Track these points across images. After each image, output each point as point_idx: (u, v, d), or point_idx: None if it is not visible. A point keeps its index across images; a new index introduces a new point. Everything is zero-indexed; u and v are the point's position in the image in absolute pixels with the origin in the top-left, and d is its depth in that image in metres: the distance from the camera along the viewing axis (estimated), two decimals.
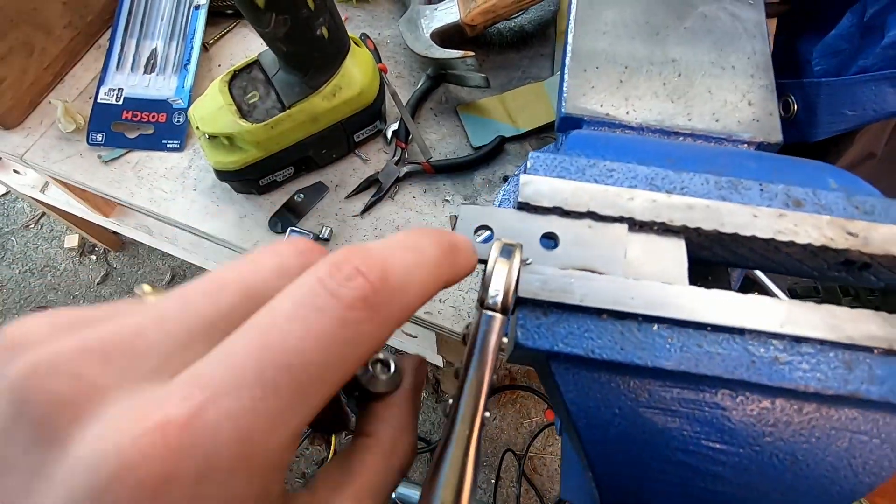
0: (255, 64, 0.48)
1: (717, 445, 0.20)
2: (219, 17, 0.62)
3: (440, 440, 0.18)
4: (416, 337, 1.18)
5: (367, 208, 0.52)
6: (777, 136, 0.30)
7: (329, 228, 0.51)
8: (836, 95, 0.54)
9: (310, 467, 1.53)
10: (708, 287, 0.21)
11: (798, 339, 0.19)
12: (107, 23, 0.61)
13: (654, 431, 0.20)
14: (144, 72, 0.58)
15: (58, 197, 1.15)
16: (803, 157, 0.65)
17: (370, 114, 0.52)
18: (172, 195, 0.54)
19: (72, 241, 1.75)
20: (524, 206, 0.22)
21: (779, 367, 0.19)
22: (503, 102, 0.58)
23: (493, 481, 1.51)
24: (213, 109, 0.47)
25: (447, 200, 0.53)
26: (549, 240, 0.22)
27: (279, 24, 0.40)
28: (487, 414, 0.18)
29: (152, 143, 0.56)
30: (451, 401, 0.18)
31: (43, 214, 1.78)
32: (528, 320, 0.20)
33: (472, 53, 0.52)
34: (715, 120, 0.31)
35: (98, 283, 1.75)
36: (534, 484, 1.50)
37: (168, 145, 0.56)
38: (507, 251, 0.20)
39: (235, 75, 0.48)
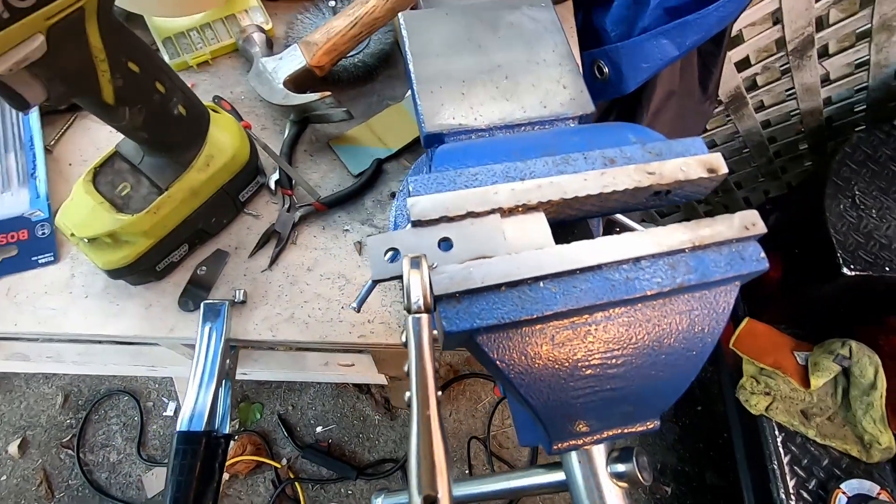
0: (115, 156, 0.48)
1: (609, 353, 0.26)
2: (53, 115, 0.59)
3: (410, 430, 0.22)
4: (353, 365, 1.19)
5: (274, 260, 0.54)
6: (590, 108, 0.38)
7: (242, 290, 0.52)
8: (631, 54, 0.66)
9: None
10: (570, 241, 0.27)
11: (637, 259, 0.26)
12: None
13: (563, 360, 0.26)
14: None
15: None
16: (621, 108, 0.77)
17: (248, 172, 0.53)
18: (63, 310, 0.51)
19: None
20: (417, 223, 0.27)
21: (630, 283, 0.26)
22: (371, 128, 0.62)
23: (466, 471, 1.57)
24: (85, 212, 0.46)
25: (346, 230, 0.56)
26: (445, 243, 0.27)
27: (134, 115, 0.41)
28: (440, 394, 0.23)
29: (20, 264, 0.52)
30: (408, 394, 0.23)
31: None
32: (447, 311, 0.25)
33: (328, 93, 0.56)
34: (543, 107, 0.39)
35: None
36: (504, 459, 1.58)
37: (40, 261, 0.53)
38: (415, 263, 0.25)
39: (98, 172, 0.47)
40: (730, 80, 1.15)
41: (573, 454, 0.33)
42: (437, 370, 0.23)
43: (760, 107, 1.30)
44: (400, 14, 0.43)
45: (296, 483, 1.47)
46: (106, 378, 1.61)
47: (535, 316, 0.25)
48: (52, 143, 0.58)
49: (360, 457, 1.54)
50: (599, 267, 0.26)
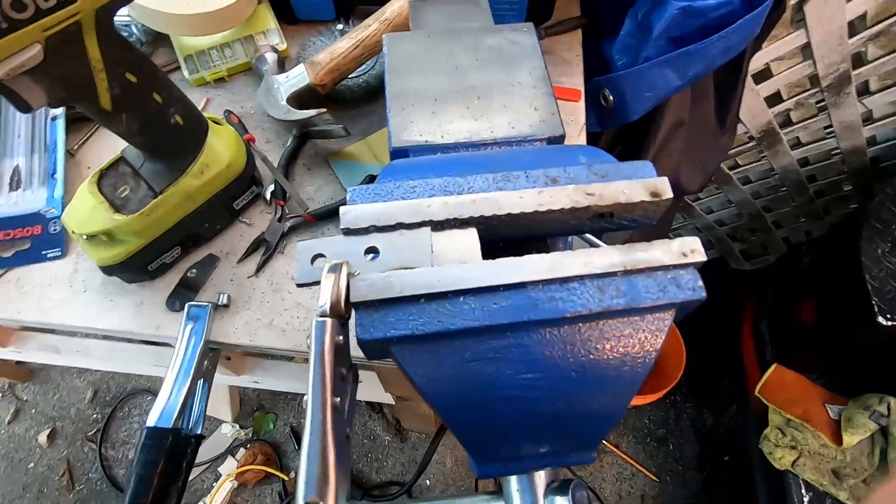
0: (120, 161, 0.51)
1: (529, 375, 0.25)
2: (79, 122, 0.64)
3: (303, 432, 0.22)
4: (361, 381, 1.19)
5: (260, 267, 0.56)
6: (560, 131, 0.38)
7: (227, 295, 0.53)
8: (634, 82, 0.66)
9: None
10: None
11: (565, 280, 0.26)
12: None
13: (482, 378, 0.25)
14: (10, 190, 0.58)
15: None
16: (629, 137, 0.76)
17: (244, 181, 0.56)
18: (63, 302, 0.54)
19: None
20: (348, 231, 0.27)
21: (554, 303, 0.25)
22: (369, 145, 0.64)
23: None
24: (86, 211, 0.49)
25: None
26: (372, 252, 0.27)
27: (132, 122, 0.44)
28: (338, 400, 0.23)
29: (31, 256, 0.56)
30: (305, 397, 0.23)
31: None
32: (363, 318, 0.25)
33: (324, 110, 0.58)
34: (511, 127, 0.39)
35: (9, 423, 1.60)
36: None
37: (48, 255, 0.56)
38: (334, 269, 0.25)
39: (103, 175, 0.51)
40: (760, 115, 1.12)
41: (512, 482, 0.32)
42: (343, 375, 0.23)
43: (797, 144, 1.25)
44: (384, 35, 0.44)
45: None
46: (133, 377, 1.67)
47: (451, 330, 0.25)
48: (76, 147, 0.63)
49: (368, 477, 1.53)
50: (524, 285, 0.26)
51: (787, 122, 1.18)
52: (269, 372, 1.25)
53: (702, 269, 0.26)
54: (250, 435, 1.60)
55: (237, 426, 1.59)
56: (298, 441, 1.57)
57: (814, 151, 1.26)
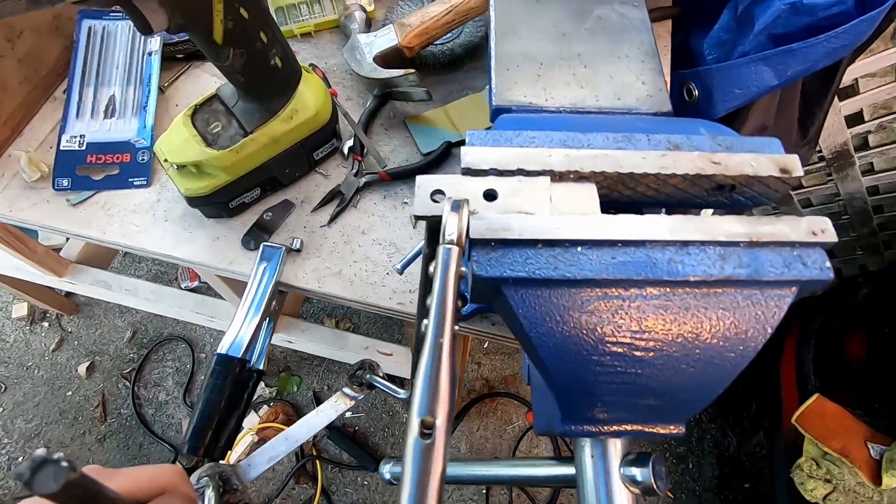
0: (214, 98, 0.53)
1: (638, 334, 0.25)
2: (172, 61, 0.66)
3: (421, 355, 0.22)
4: (391, 355, 1.20)
5: (333, 218, 0.57)
6: (667, 107, 0.37)
7: (299, 240, 0.55)
8: (725, 78, 0.64)
9: None
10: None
11: (685, 243, 0.25)
12: (61, 76, 0.64)
13: (589, 330, 0.25)
14: (104, 117, 0.61)
15: (4, 262, 1.11)
16: None
17: (326, 133, 0.57)
18: (144, 228, 0.57)
19: (20, 310, 1.68)
20: (467, 171, 0.27)
21: (673, 265, 0.25)
22: (446, 113, 0.64)
23: (483, 490, 1.52)
24: (179, 142, 0.51)
25: (406, 203, 0.58)
26: (490, 195, 0.27)
27: (236, 57, 0.45)
28: (457, 328, 0.23)
29: (119, 182, 0.59)
30: (425, 322, 0.23)
31: None
32: (480, 256, 0.25)
33: (412, 70, 0.58)
34: (617, 98, 0.38)
35: (53, 351, 1.68)
36: (523, 487, 1.53)
37: (135, 182, 0.59)
38: (457, 206, 0.25)
39: (197, 109, 0.52)
40: (837, 133, 1.07)
41: (586, 449, 0.32)
42: (458, 308, 0.24)
43: (869, 170, 1.19)
44: None
45: (317, 461, 1.51)
46: (170, 322, 1.73)
47: (566, 278, 0.25)
48: (167, 84, 0.65)
49: (382, 450, 1.55)
50: (643, 243, 0.25)
51: (863, 145, 1.13)
52: (305, 334, 1.27)
53: None
54: (274, 394, 1.64)
55: (263, 384, 1.63)
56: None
57: (886, 180, 1.21)
